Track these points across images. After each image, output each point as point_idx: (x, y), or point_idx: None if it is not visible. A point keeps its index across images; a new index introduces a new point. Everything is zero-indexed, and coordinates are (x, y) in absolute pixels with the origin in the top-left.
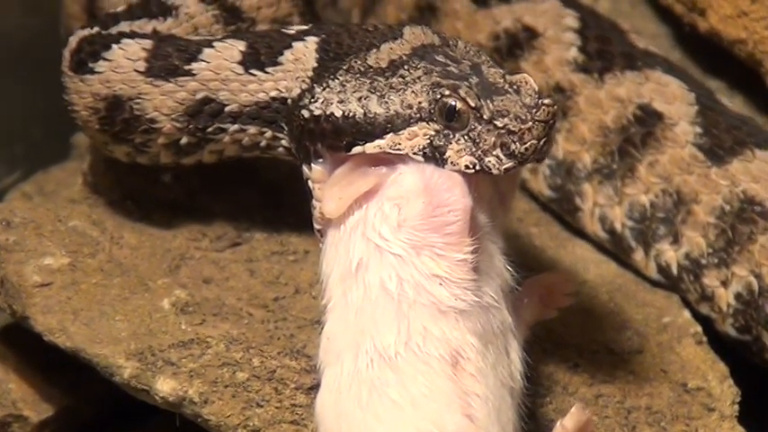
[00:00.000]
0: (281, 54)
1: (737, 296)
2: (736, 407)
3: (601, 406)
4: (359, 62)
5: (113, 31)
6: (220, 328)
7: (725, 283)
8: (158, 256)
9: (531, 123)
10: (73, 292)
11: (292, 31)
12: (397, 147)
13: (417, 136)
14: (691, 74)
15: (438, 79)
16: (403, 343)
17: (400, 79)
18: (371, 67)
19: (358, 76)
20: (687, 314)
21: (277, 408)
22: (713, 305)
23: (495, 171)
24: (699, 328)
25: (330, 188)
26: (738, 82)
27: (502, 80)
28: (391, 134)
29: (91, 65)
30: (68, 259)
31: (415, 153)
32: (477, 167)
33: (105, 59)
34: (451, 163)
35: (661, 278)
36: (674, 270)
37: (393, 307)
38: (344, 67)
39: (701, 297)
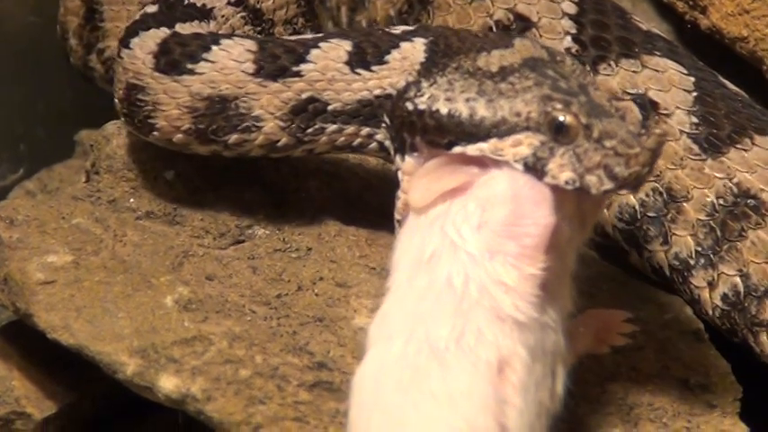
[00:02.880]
0: (389, 53)
1: (724, 297)
2: (738, 404)
3: (603, 403)
4: (469, 62)
5: (183, 32)
6: (223, 326)
7: (711, 285)
8: (161, 253)
9: (638, 149)
10: (76, 290)
11: (398, 32)
12: (500, 152)
13: (522, 144)
14: (693, 57)
15: (549, 92)
16: (455, 339)
17: (509, 86)
18: (480, 68)
19: (467, 76)
20: (689, 311)
21: (280, 405)
22: (701, 307)
23: (593, 191)
24: (701, 325)
25: (418, 179)
26: (739, 79)
27: (608, 104)
28: (495, 139)
29: (190, 66)
30: (71, 257)
31: (516, 161)
32: (577, 184)
33: (208, 61)
34: (552, 176)
35: (657, 279)
36: (666, 271)
37: (454, 302)
38: (453, 65)
39: (690, 299)
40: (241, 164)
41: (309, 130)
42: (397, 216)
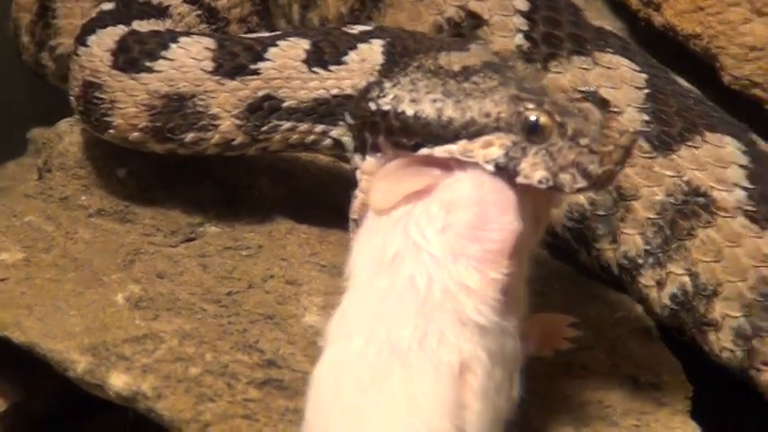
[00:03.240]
0: (346, 54)
1: (672, 297)
2: (689, 402)
3: (553, 400)
4: (430, 60)
5: (141, 29)
6: (174, 323)
7: (660, 284)
8: (112, 251)
9: (612, 147)
10: (27, 288)
11: (356, 32)
12: (469, 154)
13: (493, 145)
14: (645, 53)
15: (517, 92)
16: (417, 340)
17: (474, 86)
18: (443, 67)
19: (429, 75)
20: (639, 309)
21: (229, 402)
22: (649, 306)
23: (567, 189)
24: (651, 324)
25: (380, 180)
26: (693, 77)
27: (571, 105)
28: (464, 140)
29: (148, 64)
30: (23, 254)
31: (487, 162)
32: (550, 183)
33: (167, 59)
34: (524, 175)
35: (606, 277)
36: (615, 270)
37: (417, 303)
38: (415, 64)
39: (639, 298)
40: (193, 161)
41: (264, 128)
42: (352, 215)
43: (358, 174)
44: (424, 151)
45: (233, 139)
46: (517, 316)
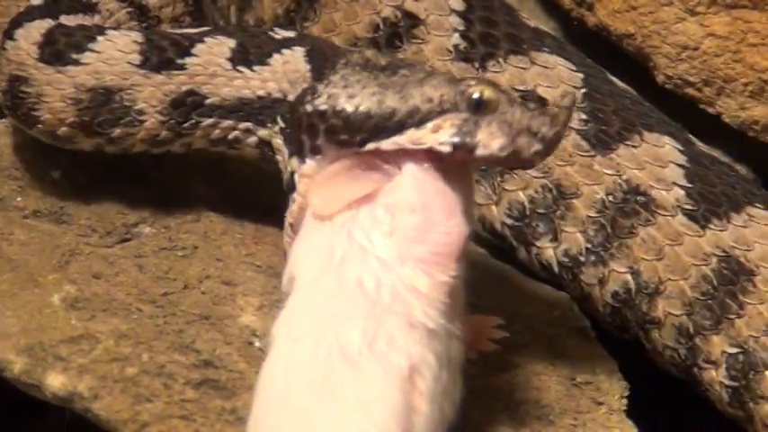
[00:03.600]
0: (271, 56)
1: (614, 295)
2: (625, 401)
3: (490, 399)
4: (356, 56)
5: (68, 23)
6: (110, 324)
7: (602, 282)
8: (48, 251)
9: (557, 109)
10: None
11: (279, 37)
12: (419, 141)
13: (443, 128)
14: (581, 53)
15: (450, 76)
16: (367, 344)
17: (404, 78)
18: (370, 60)
19: (359, 69)
20: (576, 308)
21: (166, 403)
22: (591, 304)
23: (524, 153)
24: (587, 323)
25: (320, 186)
26: (627, 77)
27: None
28: (412, 129)
29: (75, 56)
30: None
31: (441, 144)
32: (510, 149)
33: (93, 51)
34: (483, 146)
35: (546, 276)
36: (555, 268)
37: (366, 306)
38: (342, 61)
39: (581, 296)
40: (127, 162)
41: (186, 124)
42: (290, 219)
43: (296, 177)
44: (370, 146)
45: (157, 135)
46: (460, 319)
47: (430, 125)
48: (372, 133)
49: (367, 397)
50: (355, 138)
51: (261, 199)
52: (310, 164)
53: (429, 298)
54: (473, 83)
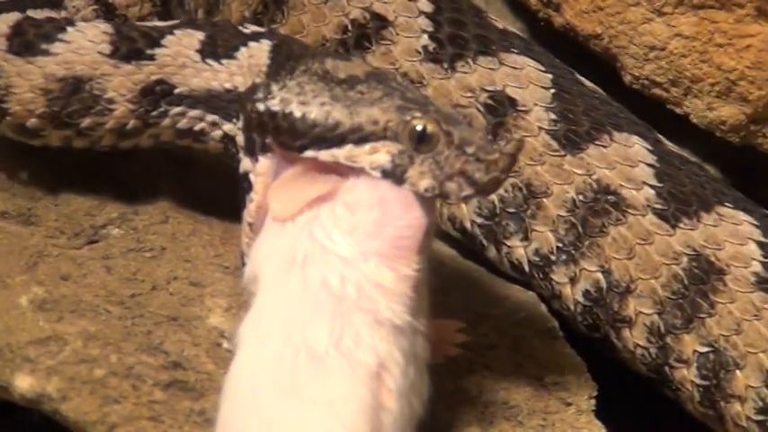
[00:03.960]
0: (238, 50)
1: (585, 294)
2: (593, 401)
3: (458, 401)
4: (317, 65)
5: (34, 16)
6: (78, 325)
7: (573, 280)
8: (16, 253)
9: (497, 155)
10: None
11: (248, 31)
12: (354, 159)
13: (379, 152)
14: (549, 54)
15: (403, 102)
16: (334, 342)
17: (360, 94)
18: (329, 72)
19: (316, 79)
20: (543, 309)
21: (135, 404)
22: (562, 303)
23: (452, 198)
24: (555, 323)
25: (277, 190)
26: (595, 77)
27: (455, 112)
28: (350, 145)
29: (44, 46)
30: None
31: (373, 168)
32: (436, 192)
33: (63, 41)
34: (411, 183)
35: (516, 275)
36: (526, 267)
37: (332, 304)
38: (302, 68)
39: (552, 294)
40: (95, 164)
41: (155, 113)
42: (248, 219)
43: (251, 176)
44: (308, 154)
45: (126, 124)
46: (425, 315)
47: (368, 146)
48: (313, 141)
49: (334, 396)
50: (296, 142)
51: (228, 200)
52: (263, 162)
53: (394, 293)
54: (418, 115)
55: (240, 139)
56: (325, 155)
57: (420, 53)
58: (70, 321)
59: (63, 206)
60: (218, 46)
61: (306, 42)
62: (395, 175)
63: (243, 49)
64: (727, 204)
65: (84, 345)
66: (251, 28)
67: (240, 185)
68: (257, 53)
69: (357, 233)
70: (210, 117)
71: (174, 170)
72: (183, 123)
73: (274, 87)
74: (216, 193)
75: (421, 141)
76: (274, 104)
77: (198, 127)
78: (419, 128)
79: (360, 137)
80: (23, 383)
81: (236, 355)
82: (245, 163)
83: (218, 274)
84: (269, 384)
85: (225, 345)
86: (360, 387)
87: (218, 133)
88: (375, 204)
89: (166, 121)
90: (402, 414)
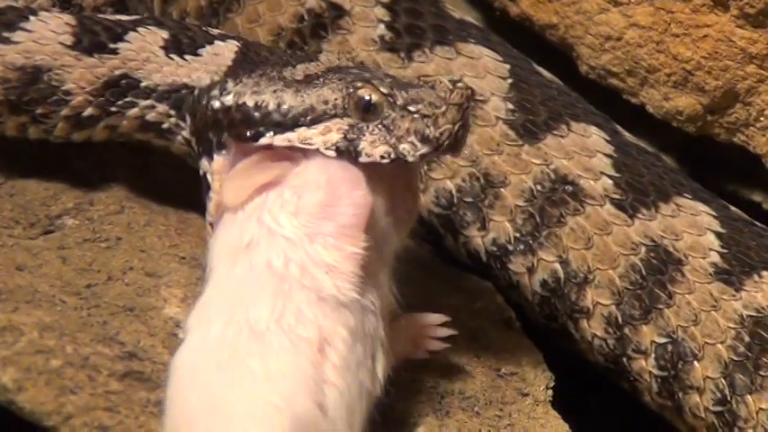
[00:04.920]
0: (203, 47)
1: (543, 284)
2: (550, 392)
3: (414, 391)
4: (274, 72)
5: None
6: (33, 316)
7: (531, 270)
8: None
9: (444, 108)
10: None
11: (215, 33)
12: (308, 141)
13: (331, 131)
14: (507, 44)
15: (351, 78)
16: (275, 319)
17: (315, 81)
18: (285, 76)
19: (273, 77)
20: (500, 299)
21: (91, 395)
22: (519, 293)
23: (410, 158)
24: (512, 314)
25: (230, 181)
26: (551, 67)
27: (416, 80)
28: (303, 128)
29: (5, 34)
30: None
31: (327, 148)
32: (393, 155)
33: (25, 30)
34: (366, 154)
35: (473, 264)
36: (483, 257)
37: (274, 284)
38: (259, 72)
39: (509, 285)
40: (50, 154)
41: (120, 102)
42: (209, 218)
43: (209, 176)
44: (264, 140)
45: (82, 111)
46: (379, 299)
47: (320, 127)
48: (267, 128)
49: (274, 369)
50: (251, 131)
51: (185, 190)
52: (218, 159)
53: (340, 271)
54: (360, 84)
55: (193, 141)
56: (279, 139)
57: (377, 42)
58: (26, 312)
59: (18, 196)
60: (183, 43)
61: (259, 33)
62: (349, 151)
63: (208, 47)
64: (685, 195)
65: (39, 335)
66: (218, 31)
67: (202, 187)
68: (222, 51)
69: (302, 215)
70: (174, 117)
71: (129, 160)
72: (151, 117)
73: (230, 84)
74: (172, 182)
75: (367, 110)
76: (228, 99)
77: (165, 125)
78: (365, 97)
79: (311, 118)
80: None
81: (183, 342)
82: (203, 163)
83: (174, 265)
84: (209, 362)
85: (181, 335)
86: (300, 360)
87: (180, 138)
88: (322, 185)
89: (132, 111)
90: (349, 390)
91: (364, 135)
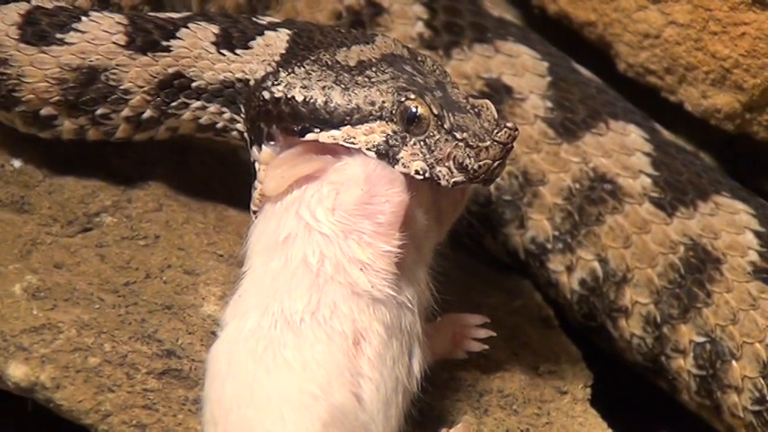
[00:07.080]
0: (254, 39)
1: (582, 282)
2: (589, 390)
3: (453, 389)
4: (327, 56)
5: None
6: (72, 314)
7: (570, 269)
8: (9, 241)
9: (489, 142)
10: None
11: (264, 22)
12: (352, 140)
13: (374, 132)
14: (545, 42)
15: (404, 84)
16: (310, 312)
17: (366, 78)
18: (339, 62)
19: (324, 68)
20: (539, 297)
21: (129, 392)
22: (558, 292)
23: (443, 182)
24: (550, 312)
25: (273, 169)
26: (589, 64)
27: (465, 101)
28: (348, 126)
29: (59, 36)
30: None
31: (368, 149)
32: (427, 175)
33: (78, 31)
34: (403, 165)
35: (512, 263)
36: (522, 255)
37: (309, 278)
38: (312, 58)
39: (548, 283)
40: (89, 151)
41: (174, 104)
42: (253, 207)
43: (256, 165)
44: (310, 136)
45: (142, 113)
46: (416, 296)
47: (364, 127)
48: (314, 124)
49: (310, 359)
50: (298, 126)
51: (222, 188)
52: (266, 150)
53: (374, 268)
54: (413, 96)
55: (246, 132)
56: (324, 136)
57: (415, 40)
58: (64, 310)
59: (56, 194)
60: (234, 37)
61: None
62: (389, 155)
63: (259, 39)
64: (723, 193)
65: (78, 333)
66: (267, 19)
67: (251, 176)
68: (274, 41)
69: (339, 211)
70: (228, 114)
71: (168, 157)
72: (205, 119)
73: (282, 74)
74: (210, 180)
75: (411, 122)
76: (279, 90)
77: (220, 124)
78: (412, 109)
79: (357, 118)
80: (17, 372)
81: (221, 334)
82: (253, 152)
83: (212, 262)
84: (244, 352)
85: (219, 333)
86: (335, 351)
87: (235, 133)
88: (361, 182)
89: (187, 114)
90: (385, 384)
91: (405, 146)
